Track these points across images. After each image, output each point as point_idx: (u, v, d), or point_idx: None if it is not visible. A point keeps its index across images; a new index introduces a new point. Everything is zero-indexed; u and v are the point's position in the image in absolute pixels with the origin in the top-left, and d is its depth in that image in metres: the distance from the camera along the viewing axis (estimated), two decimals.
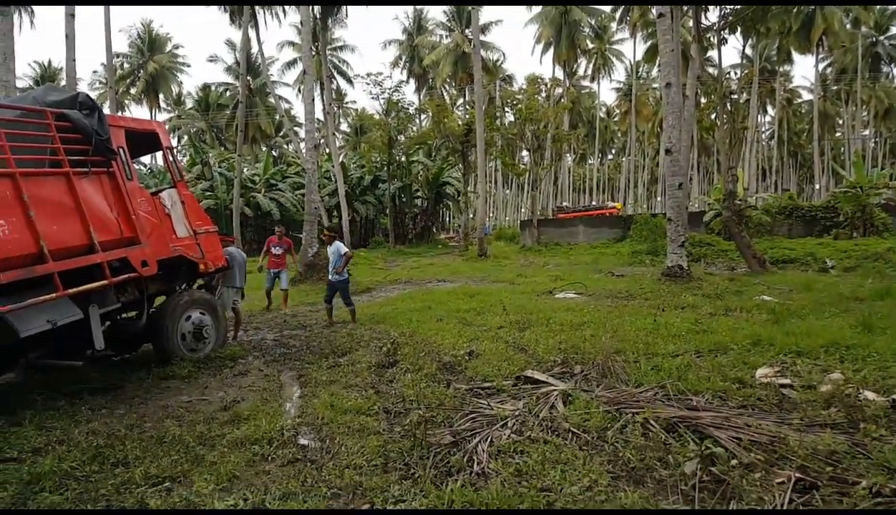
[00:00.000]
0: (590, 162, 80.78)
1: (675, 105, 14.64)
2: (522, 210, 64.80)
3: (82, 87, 52.26)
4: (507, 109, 35.29)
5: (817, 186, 60.52)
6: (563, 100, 48.28)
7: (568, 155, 63.14)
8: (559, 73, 53.38)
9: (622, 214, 39.21)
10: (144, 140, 7.75)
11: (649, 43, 47.34)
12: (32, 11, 35.98)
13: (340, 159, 38.84)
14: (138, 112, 54.16)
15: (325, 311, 10.94)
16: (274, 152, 52.46)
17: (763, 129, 68.88)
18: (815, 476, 3.52)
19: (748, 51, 46.78)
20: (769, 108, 64.38)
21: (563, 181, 65.34)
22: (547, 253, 27.44)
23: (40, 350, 6.37)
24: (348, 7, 32.67)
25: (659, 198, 64.99)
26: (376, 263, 25.79)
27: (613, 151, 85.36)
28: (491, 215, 63.43)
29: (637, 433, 4.33)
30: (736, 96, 22.75)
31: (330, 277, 10.78)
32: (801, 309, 9.31)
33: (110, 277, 6.24)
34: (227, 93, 57.21)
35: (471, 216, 35.56)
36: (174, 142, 56.87)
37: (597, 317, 9.35)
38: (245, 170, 36.46)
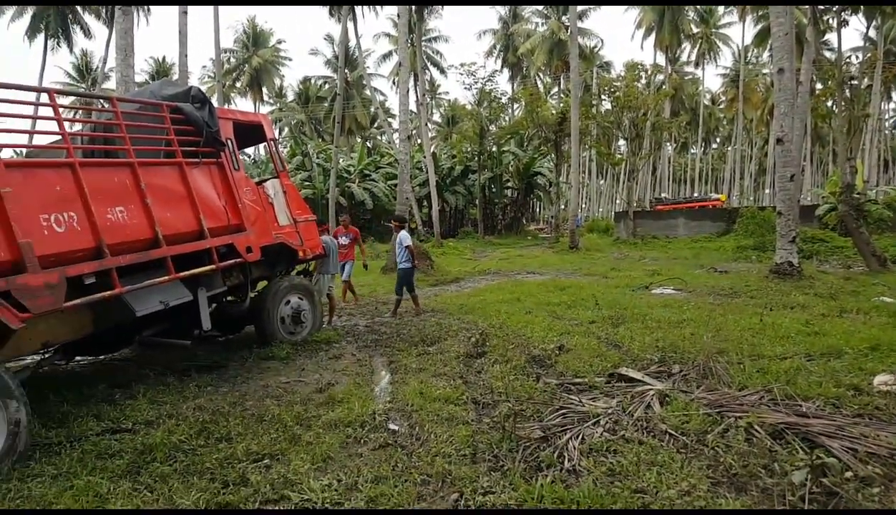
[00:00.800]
0: (692, 151, 77.08)
1: (788, 91, 13.65)
2: (618, 201, 62.91)
3: (193, 81, 55.72)
4: (603, 97, 34.24)
5: None
6: (664, 86, 46.30)
7: (668, 144, 60.59)
8: (661, 59, 51.30)
9: (726, 207, 37.01)
10: (250, 132, 8.13)
11: (760, 26, 44.35)
12: (149, 10, 38.65)
13: (432, 150, 39.27)
14: (243, 105, 57.09)
15: (394, 303, 10.80)
16: (368, 143, 53.72)
17: (887, 117, 62.99)
18: None
19: (872, 32, 42.83)
20: (894, 95, 58.79)
21: (663, 171, 62.80)
22: (643, 246, 26.47)
23: (153, 328, 6.86)
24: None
25: (767, 191, 61.12)
26: (465, 253, 25.92)
27: (718, 140, 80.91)
28: (584, 206, 62.04)
29: (740, 438, 4.08)
30: (856, 82, 20.89)
31: (399, 266, 10.73)
32: None
33: (217, 262, 6.62)
34: (326, 86, 59.19)
35: (562, 207, 34.99)
36: (276, 134, 59.77)
37: (697, 315, 8.92)
38: (341, 160, 37.60)
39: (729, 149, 69.63)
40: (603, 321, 8.85)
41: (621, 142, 41.65)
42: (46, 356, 6.31)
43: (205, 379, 6.51)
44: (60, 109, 5.60)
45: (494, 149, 38.01)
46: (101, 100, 6.31)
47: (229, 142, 7.28)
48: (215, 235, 6.67)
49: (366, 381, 6.28)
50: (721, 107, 68.42)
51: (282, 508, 3.56)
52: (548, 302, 10.91)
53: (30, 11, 37.30)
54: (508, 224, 41.78)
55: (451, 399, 5.47)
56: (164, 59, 54.67)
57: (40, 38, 38.37)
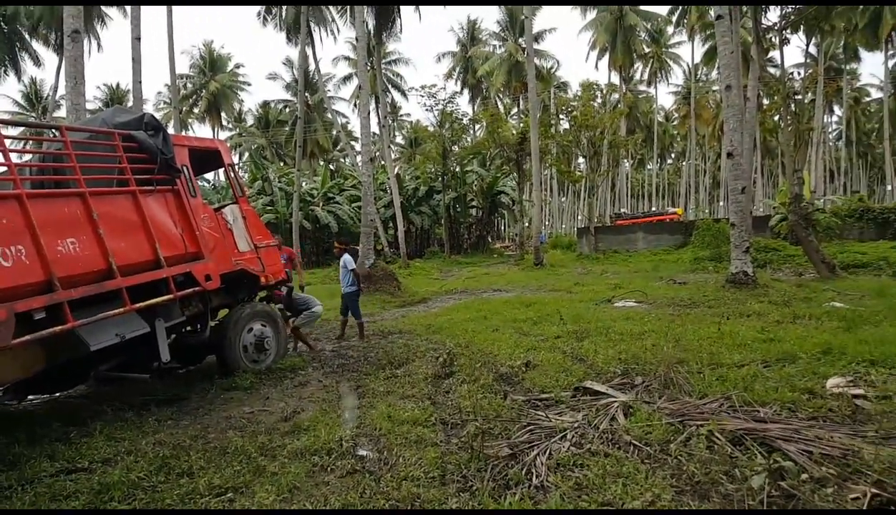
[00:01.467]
0: (648, 167, 78.95)
1: (736, 107, 14.16)
2: (579, 217, 63.85)
3: (148, 108, 54.83)
4: (561, 117, 34.99)
5: (889, 187, 57.14)
6: (619, 105, 47.47)
7: (626, 160, 61.90)
8: (615, 79, 52.62)
9: (683, 220, 38.03)
10: (207, 158, 8.04)
11: (707, 45, 46.06)
12: (99, 36, 38.01)
13: (395, 171, 39.33)
14: (201, 130, 56.32)
15: (339, 324, 10.87)
16: (331, 166, 53.58)
17: (830, 130, 65.76)
18: (893, 492, 3.30)
19: (812, 49, 44.82)
20: (836, 108, 61.46)
21: (621, 187, 64.10)
22: (605, 260, 26.95)
23: (109, 362, 6.66)
24: (402, 21, 33.15)
25: (721, 203, 62.80)
26: (432, 273, 25.94)
27: (673, 156, 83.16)
28: (547, 223, 62.88)
29: (701, 446, 4.16)
30: (800, 97, 21.77)
31: (343, 290, 10.63)
32: (874, 316, 8.80)
33: (175, 291, 6.47)
34: (287, 110, 58.93)
35: (526, 225, 35.33)
36: (236, 159, 58.92)
37: (658, 326, 9.09)
38: (304, 184, 37.39)
39: (684, 163, 71.69)
40: (568, 335, 8.94)
41: (580, 159, 42.45)
42: None
43: (165, 412, 6.31)
44: (7, 140, 5.42)
45: (458, 169, 38.35)
46: (52, 130, 6.15)
47: (185, 168, 7.18)
48: (172, 264, 6.54)
49: (332, 407, 6.19)
50: (674, 123, 70.50)
51: None
52: (514, 319, 10.99)
53: None
54: (474, 242, 42.00)
55: (420, 421, 5.43)
56: (117, 85, 53.75)
57: None
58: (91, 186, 5.89)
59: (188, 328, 7.83)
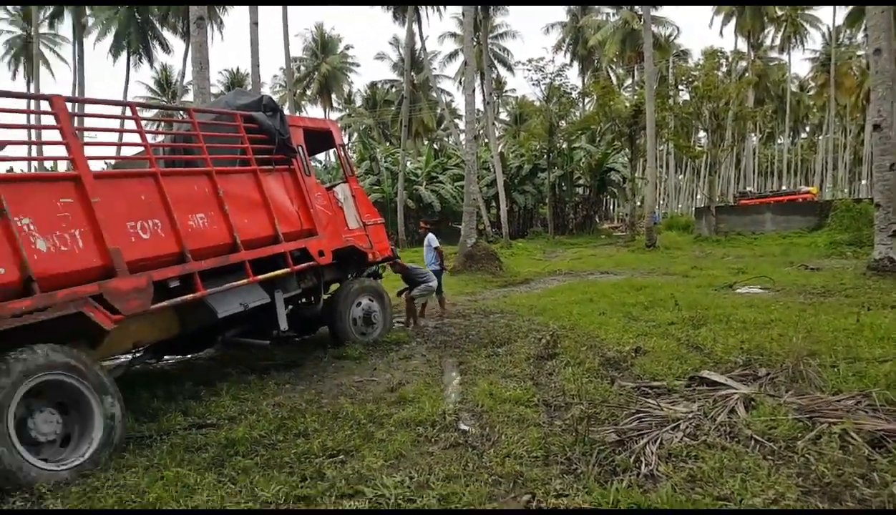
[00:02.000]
0: (779, 141, 72.93)
1: (886, 74, 12.69)
2: (698, 196, 60.53)
3: (265, 91, 57.69)
4: (681, 87, 32.92)
5: None
6: (746, 74, 44.19)
7: (752, 134, 57.73)
8: (742, 46, 48.98)
9: (818, 200, 34.83)
10: (320, 138, 8.35)
11: (852, 6, 41.59)
12: (222, 23, 40.47)
13: (499, 149, 39.07)
14: (313, 112, 58.67)
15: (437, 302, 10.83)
16: (435, 145, 54.10)
17: None
18: None
19: None
20: None
21: (747, 164, 59.94)
22: (726, 243, 25.32)
23: (234, 329, 7.15)
24: None
25: (864, 181, 57.13)
26: (535, 254, 25.65)
27: (807, 129, 76.30)
28: (661, 203, 60.16)
29: (834, 445, 3.81)
30: None
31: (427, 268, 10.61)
32: None
33: (292, 265, 6.82)
34: (393, 90, 60.07)
35: (638, 204, 34.01)
36: (345, 140, 61.03)
37: (786, 315, 8.42)
38: (409, 163, 38.03)
39: (820, 138, 65.55)
40: (683, 322, 8.50)
41: (701, 133, 40.08)
42: (138, 355, 6.67)
43: (283, 377, 6.73)
44: (143, 122, 5.91)
45: (564, 145, 37.36)
46: (181, 112, 6.63)
47: (300, 148, 7.48)
48: (289, 239, 6.88)
49: (435, 381, 6.30)
50: (810, 93, 64.47)
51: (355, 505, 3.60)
52: (623, 303, 10.61)
53: (113, 30, 39.77)
54: (580, 223, 40.99)
55: (522, 400, 5.40)
56: (237, 70, 57.11)
57: (124, 55, 40.91)
58: (216, 165, 6.29)
59: (303, 300, 8.24)
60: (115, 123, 5.66)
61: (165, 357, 7.88)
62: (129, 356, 6.82)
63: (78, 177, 4.88)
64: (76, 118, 5.56)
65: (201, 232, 5.83)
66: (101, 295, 4.78)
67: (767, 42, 55.02)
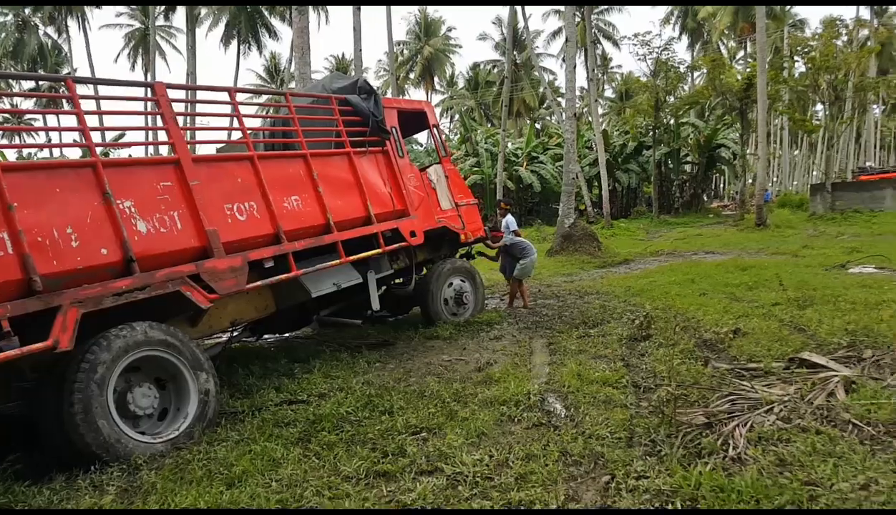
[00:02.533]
0: None
1: None
2: (814, 173, 55.80)
3: (370, 75, 59.11)
4: (796, 58, 30.53)
5: None
6: (869, 42, 40.01)
7: (875, 106, 52.30)
8: (865, 13, 44.32)
9: None
10: (414, 119, 8.48)
11: None
12: (326, 10, 41.53)
13: (602, 127, 37.86)
14: (416, 95, 59.37)
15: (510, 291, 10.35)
16: (537, 125, 53.21)
17: None
18: None
19: None
20: None
21: (868, 137, 54.49)
22: (843, 221, 23.37)
23: (328, 308, 7.47)
24: None
25: None
26: (637, 234, 24.77)
27: None
28: (774, 180, 56.04)
29: None
30: None
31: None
32: None
33: (384, 246, 7.01)
34: (495, 71, 59.58)
35: (749, 181, 31.94)
36: (447, 122, 61.31)
37: None
38: (509, 144, 37.71)
39: None
40: (788, 303, 7.98)
41: (818, 106, 36.83)
42: (236, 333, 7.08)
43: (374, 355, 6.97)
44: (243, 107, 6.25)
45: (671, 121, 35.58)
46: (280, 97, 6.97)
47: (394, 130, 7.64)
48: (381, 220, 7.07)
49: (523, 361, 6.30)
50: None
51: (436, 479, 3.69)
52: (725, 284, 10.11)
53: (224, 20, 41.97)
54: (687, 202, 38.96)
55: (610, 381, 5.31)
56: (342, 55, 58.49)
57: (234, 43, 43.15)
58: (312, 148, 6.54)
59: (396, 280, 8.47)
60: (218, 109, 6.01)
61: (265, 335, 8.37)
62: (228, 334, 7.21)
63: (177, 160, 5.20)
64: (181, 104, 5.93)
65: (296, 213, 6.09)
66: (198, 275, 5.06)
67: (893, 8, 49.31)
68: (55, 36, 46.29)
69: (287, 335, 8.66)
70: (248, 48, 43.32)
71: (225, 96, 6.05)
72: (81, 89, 5.52)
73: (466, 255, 9.17)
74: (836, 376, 4.57)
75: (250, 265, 5.56)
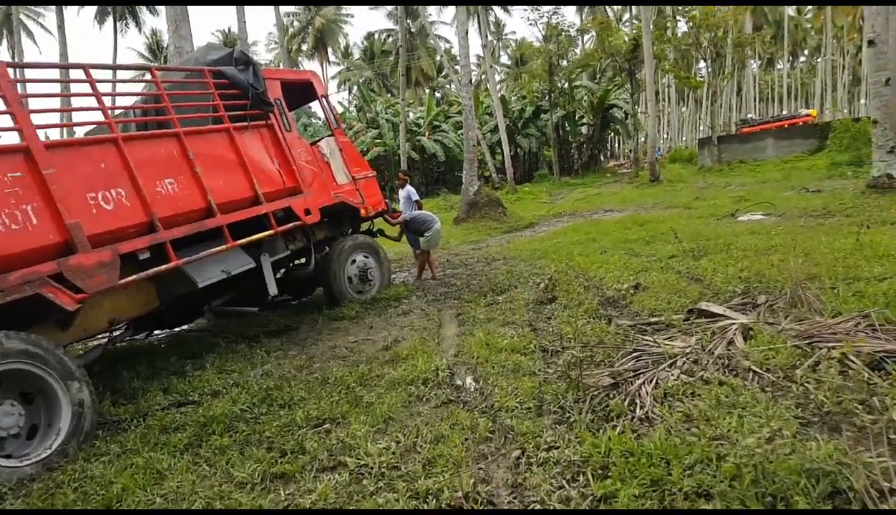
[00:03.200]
0: (778, 67, 70.78)
1: None
2: (701, 128, 59.15)
3: (259, 49, 56.23)
4: (679, 18, 31.91)
5: None
6: None
7: (752, 61, 55.89)
8: None
9: (817, 122, 33.96)
10: (301, 90, 7.97)
11: None
12: None
13: (500, 93, 38.10)
14: (310, 67, 57.34)
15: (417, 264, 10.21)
16: (437, 94, 52.89)
17: None
18: None
19: None
20: None
21: (748, 91, 58.26)
22: (729, 172, 24.90)
23: (222, 297, 6.96)
24: None
25: (863, 101, 55.40)
26: (540, 197, 25.26)
27: (806, 53, 73.73)
28: (665, 136, 58.90)
29: (833, 371, 3.58)
30: None
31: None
32: None
33: (276, 227, 6.57)
34: (390, 40, 58.42)
35: (642, 139, 33.29)
36: (345, 95, 59.64)
37: (786, 240, 8.13)
38: (410, 114, 37.21)
39: (819, 60, 63.31)
40: (683, 254, 8.27)
41: (701, 64, 38.81)
42: (118, 333, 6.46)
43: (274, 344, 6.57)
44: (108, 85, 5.58)
45: (566, 85, 36.36)
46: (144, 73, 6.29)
47: (278, 102, 7.14)
48: (271, 199, 6.62)
49: (432, 336, 6.12)
50: (808, 16, 62.08)
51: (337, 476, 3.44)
52: (625, 240, 10.41)
53: None
54: (585, 162, 40.18)
55: (518, 348, 5.23)
56: (229, 30, 55.50)
57: (109, 21, 39.68)
58: (186, 125, 5.98)
59: (296, 261, 8.04)
60: (77, 88, 5.31)
61: (156, 332, 7.74)
62: (108, 335, 6.60)
63: (26, 148, 4.58)
64: (39, 86, 5.22)
65: (171, 198, 5.56)
66: (60, 274, 4.53)
67: None
68: None
69: (178, 329, 8.03)
70: (126, 25, 39.98)
71: (81, 74, 5.34)
72: None
73: (369, 231, 8.84)
74: (735, 324, 4.67)
75: (123, 258, 5.04)
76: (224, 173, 6.16)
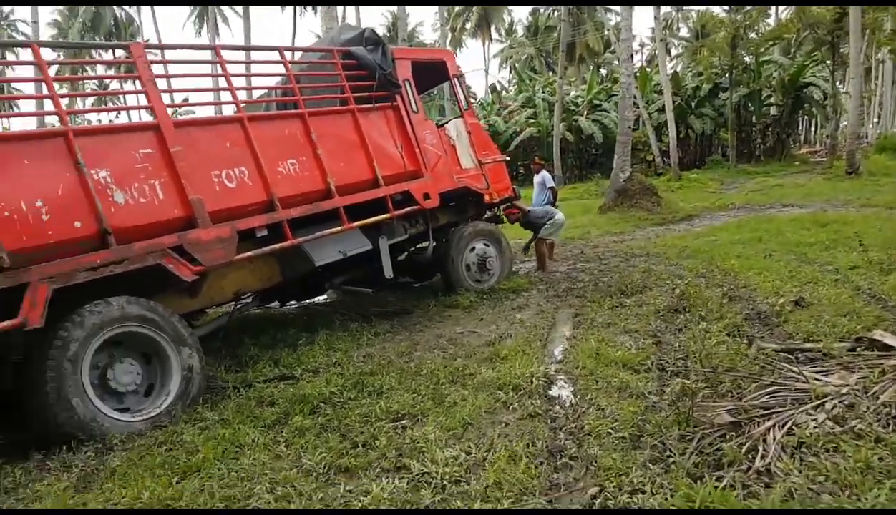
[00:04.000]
0: None
1: None
2: None
3: (425, 29, 57.16)
4: None
5: None
6: None
7: None
8: None
9: None
10: (433, 70, 7.80)
11: None
12: None
13: (673, 69, 35.39)
14: (473, 46, 57.66)
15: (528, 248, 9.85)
16: (602, 71, 50.46)
17: None
18: None
19: None
20: None
21: None
22: None
23: (342, 276, 7.07)
24: None
25: None
26: (708, 186, 23.10)
27: None
28: (875, 121, 51.19)
29: None
30: None
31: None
32: None
33: (393, 210, 6.50)
34: (555, 14, 56.55)
35: (844, 124, 29.15)
36: (505, 74, 59.07)
37: None
38: (571, 92, 35.86)
39: None
40: (868, 266, 6.97)
41: None
42: (247, 302, 6.71)
43: (384, 326, 6.57)
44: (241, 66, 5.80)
45: (752, 60, 32.67)
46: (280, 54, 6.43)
47: (406, 83, 7.03)
48: (390, 183, 6.55)
49: (539, 336, 5.70)
50: None
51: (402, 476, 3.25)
52: (798, 243, 9.05)
53: None
54: (769, 148, 35.97)
55: (631, 363, 4.67)
56: (394, 13, 57.13)
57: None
58: (313, 106, 6.06)
59: (422, 245, 7.99)
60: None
61: (291, 302, 8.11)
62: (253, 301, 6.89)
63: (157, 126, 4.87)
64: (178, 66, 5.57)
65: (292, 178, 5.68)
66: (180, 247, 4.78)
67: None
68: (128, 8, 47.60)
69: (306, 302, 8.36)
70: (304, 8, 42.81)
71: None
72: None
73: (493, 218, 8.53)
74: None
75: (241, 234, 5.23)
76: (345, 155, 6.19)
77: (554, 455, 3.40)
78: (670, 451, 3.28)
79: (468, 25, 55.82)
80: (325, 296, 8.44)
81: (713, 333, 5.17)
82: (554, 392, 4.32)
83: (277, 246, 5.47)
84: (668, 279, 7.45)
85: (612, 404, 3.94)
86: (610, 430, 3.57)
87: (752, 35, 32.63)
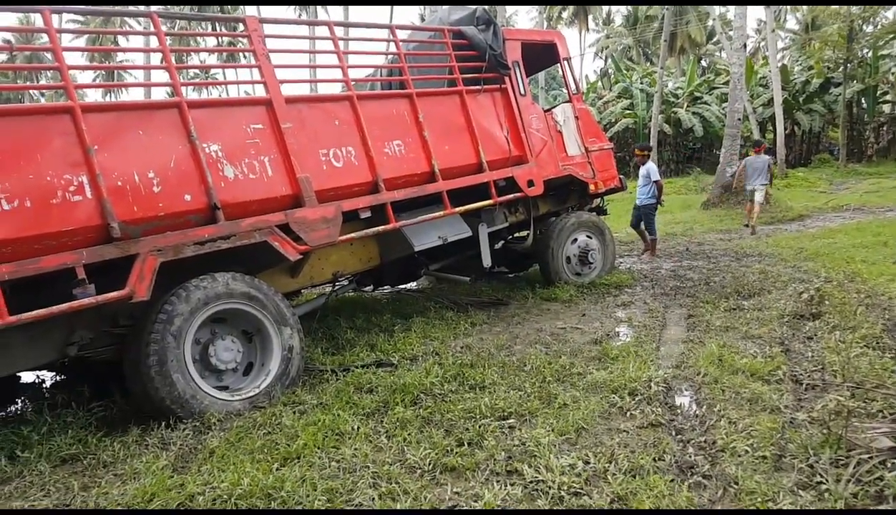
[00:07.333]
0: None
1: None
2: None
3: (520, 17, 56.22)
4: None
5: None
6: None
7: None
8: None
9: None
10: (542, 52, 7.47)
11: None
12: None
13: (782, 61, 33.17)
14: (569, 35, 56.27)
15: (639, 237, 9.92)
16: (704, 62, 47.99)
17: None
18: None
19: None
20: None
21: None
22: None
23: (438, 263, 6.91)
24: None
25: None
26: (817, 185, 21.52)
27: None
28: None
29: None
30: None
31: (638, 201, 9.52)
32: None
33: (496, 197, 6.27)
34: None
35: None
36: (600, 64, 57.43)
37: None
38: (670, 83, 34.34)
39: None
40: None
41: None
42: (345, 284, 6.68)
43: (481, 316, 6.35)
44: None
45: (868, 53, 30.15)
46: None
47: (515, 65, 6.76)
48: (494, 168, 6.32)
49: (652, 337, 5.31)
50: None
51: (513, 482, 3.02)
52: None
53: None
54: (884, 148, 33.20)
55: (761, 373, 4.22)
56: None
57: None
58: (421, 86, 5.90)
59: (517, 234, 7.73)
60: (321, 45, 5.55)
61: (385, 287, 8.04)
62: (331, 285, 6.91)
63: (269, 101, 4.81)
64: (281, 41, 5.51)
65: (397, 160, 5.54)
66: (286, 225, 4.72)
67: None
68: None
69: (401, 287, 8.27)
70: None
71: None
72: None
73: (598, 208, 8.12)
74: None
75: (346, 215, 5.14)
76: (451, 138, 6.00)
77: (684, 471, 3.08)
78: (821, 476, 2.89)
79: (565, 14, 54.49)
80: (417, 283, 8.33)
81: (849, 343, 4.64)
82: (674, 400, 3.97)
83: (380, 228, 5.35)
84: (789, 282, 6.85)
85: (744, 417, 3.55)
86: (747, 448, 3.20)
87: (870, 28, 30.09)
